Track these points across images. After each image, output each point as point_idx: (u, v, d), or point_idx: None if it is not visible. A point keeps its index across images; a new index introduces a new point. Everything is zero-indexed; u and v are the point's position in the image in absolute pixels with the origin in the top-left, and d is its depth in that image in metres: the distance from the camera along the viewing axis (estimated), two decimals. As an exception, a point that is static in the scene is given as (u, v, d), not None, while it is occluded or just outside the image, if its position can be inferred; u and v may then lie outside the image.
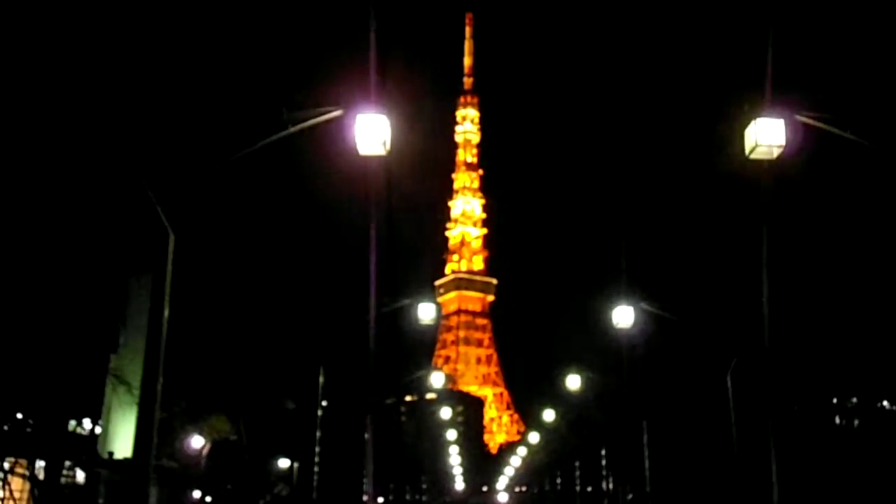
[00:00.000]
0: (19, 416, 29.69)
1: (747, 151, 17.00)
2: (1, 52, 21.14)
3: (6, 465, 28.26)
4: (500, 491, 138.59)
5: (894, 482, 28.70)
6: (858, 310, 31.60)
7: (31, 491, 29.20)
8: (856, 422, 32.29)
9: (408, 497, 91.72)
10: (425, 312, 32.35)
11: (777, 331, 24.00)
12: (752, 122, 16.82)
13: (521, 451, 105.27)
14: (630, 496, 52.36)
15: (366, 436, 38.93)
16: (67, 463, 31.60)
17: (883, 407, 31.68)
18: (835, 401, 33.54)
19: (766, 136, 16.81)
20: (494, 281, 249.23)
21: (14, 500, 29.12)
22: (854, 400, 32.86)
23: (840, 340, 32.19)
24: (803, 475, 29.85)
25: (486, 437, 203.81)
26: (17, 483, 29.57)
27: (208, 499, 40.80)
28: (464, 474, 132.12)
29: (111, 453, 31.20)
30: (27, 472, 28.71)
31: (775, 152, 16.95)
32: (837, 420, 34.52)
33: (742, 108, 17.49)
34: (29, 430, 29.86)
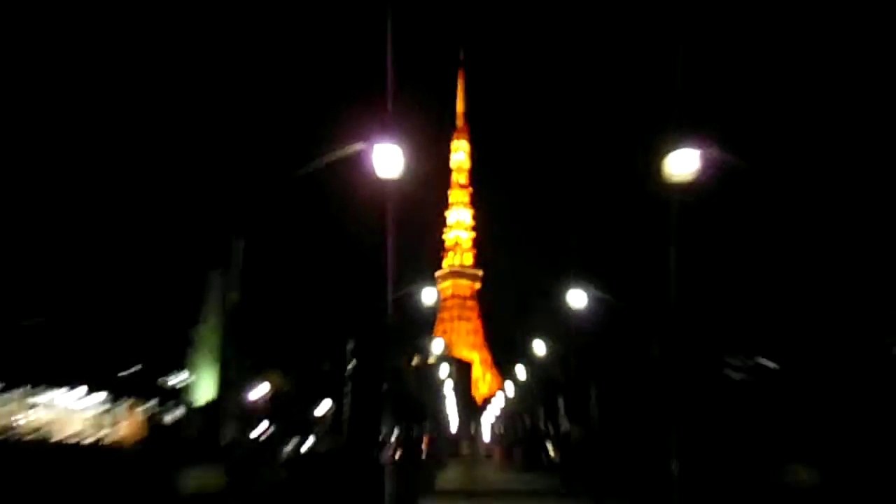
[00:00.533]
0: (134, 369, 30.28)
1: (665, 177, 17.22)
2: (129, 92, 21.41)
3: (129, 404, 28.90)
4: (483, 430, 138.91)
5: (766, 422, 29.05)
6: (747, 289, 31.90)
7: (146, 421, 29.81)
8: (740, 375, 32.58)
9: (414, 434, 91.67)
10: (428, 297, 32.61)
11: (685, 304, 24.31)
12: (669, 154, 17.02)
13: (500, 399, 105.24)
14: (581, 434, 52.51)
15: (383, 387, 39.34)
16: (168, 403, 32.07)
17: (760, 364, 31.99)
18: (726, 359, 33.96)
19: (679, 165, 17.02)
20: (480, 272, 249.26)
21: (132, 426, 29.65)
22: (740, 358, 33.23)
23: (730, 313, 32.52)
24: (705, 415, 30.31)
25: (473, 390, 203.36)
26: (136, 416, 30.18)
27: (269, 431, 41.12)
28: (457, 418, 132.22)
29: (198, 399, 31.76)
30: (143, 409, 29.30)
31: (688, 178, 17.11)
32: (728, 374, 35.04)
33: (662, 141, 17.64)
34: (141, 379, 30.40)
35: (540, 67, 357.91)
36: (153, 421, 29.03)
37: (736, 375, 32.17)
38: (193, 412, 31.66)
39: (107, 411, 27.92)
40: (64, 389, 27.21)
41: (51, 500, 14.04)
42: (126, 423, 29.67)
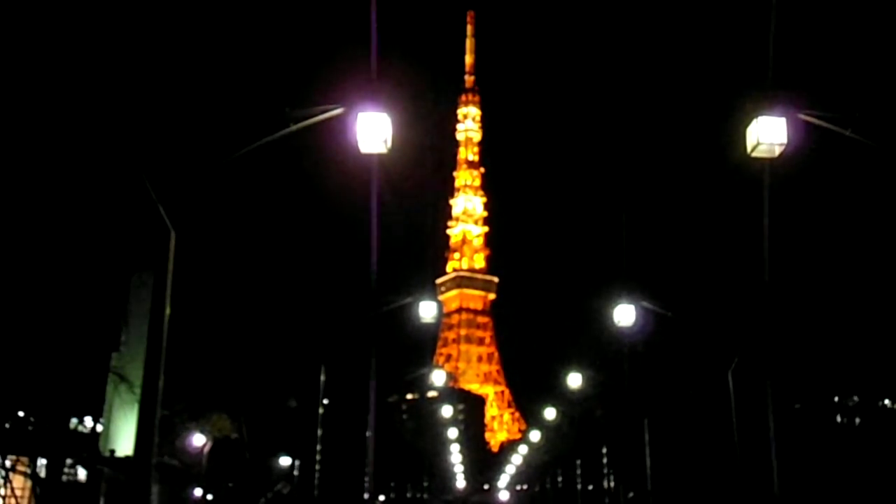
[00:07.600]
0: (21, 414, 29.64)
1: (749, 150, 16.85)
2: (4, 50, 21.17)
3: (8, 464, 28.15)
4: (501, 489, 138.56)
5: (894, 480, 28.65)
6: (859, 308, 31.48)
7: (33, 489, 29.13)
8: (857, 420, 32.08)
9: (409, 495, 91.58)
10: (426, 310, 32.11)
11: (778, 328, 23.92)
12: (754, 121, 16.68)
13: (523, 449, 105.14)
14: (631, 494, 52.31)
15: (367, 434, 38.97)
16: (69, 461, 31.55)
17: (884, 405, 31.49)
18: (836, 399, 33.33)
19: (767, 134, 16.61)
20: (496, 279, 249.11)
21: (16, 498, 29.08)
22: (855, 398, 32.65)
23: (841, 339, 32.04)
24: (804, 473, 29.79)
25: (487, 435, 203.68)
26: (18, 481, 29.48)
27: (209, 497, 40.79)
28: (465, 472, 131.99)
29: (112, 451, 31.10)
30: (29, 470, 28.63)
31: (777, 150, 16.78)
32: (839, 418, 34.36)
33: (744, 105, 17.35)
34: (30, 428, 29.78)
35: (573, 4, 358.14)
36: (45, 487, 28.34)
37: (848, 419, 31.74)
38: (104, 473, 31.11)
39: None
40: None
41: None
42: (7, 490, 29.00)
